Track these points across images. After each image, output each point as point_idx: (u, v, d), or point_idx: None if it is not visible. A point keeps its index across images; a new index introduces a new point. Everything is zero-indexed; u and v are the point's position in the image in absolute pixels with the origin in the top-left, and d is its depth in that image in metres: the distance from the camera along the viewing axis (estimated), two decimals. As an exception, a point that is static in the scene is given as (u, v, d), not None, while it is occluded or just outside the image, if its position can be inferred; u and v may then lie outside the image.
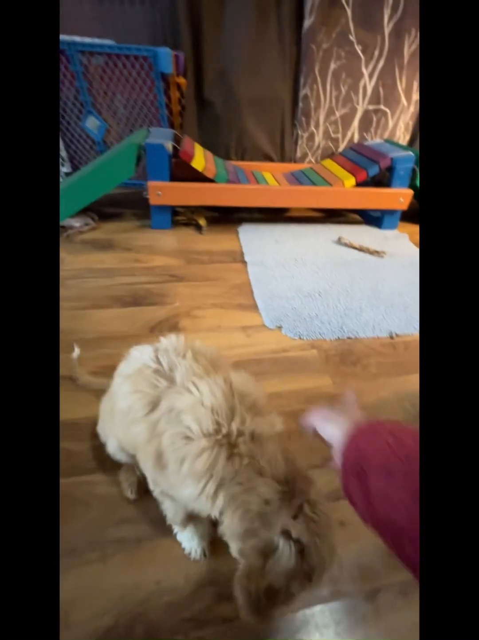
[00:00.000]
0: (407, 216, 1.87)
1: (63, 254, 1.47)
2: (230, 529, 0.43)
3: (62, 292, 1.26)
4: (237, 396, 0.47)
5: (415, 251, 1.71)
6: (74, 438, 0.80)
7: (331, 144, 2.22)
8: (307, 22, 1.81)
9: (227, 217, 1.85)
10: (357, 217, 2.03)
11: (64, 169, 1.94)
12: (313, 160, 2.25)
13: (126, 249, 1.55)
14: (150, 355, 0.55)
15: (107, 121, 1.84)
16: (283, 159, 2.23)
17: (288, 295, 1.34)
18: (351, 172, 1.77)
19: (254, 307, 1.28)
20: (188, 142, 1.74)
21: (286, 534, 0.40)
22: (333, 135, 2.19)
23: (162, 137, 1.58)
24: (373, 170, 1.72)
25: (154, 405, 0.51)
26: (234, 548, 0.44)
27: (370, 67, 2.00)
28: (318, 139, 2.18)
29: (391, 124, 2.20)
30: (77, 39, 1.60)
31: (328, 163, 2.00)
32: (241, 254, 1.58)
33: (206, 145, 1.95)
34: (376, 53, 1.96)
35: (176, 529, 0.64)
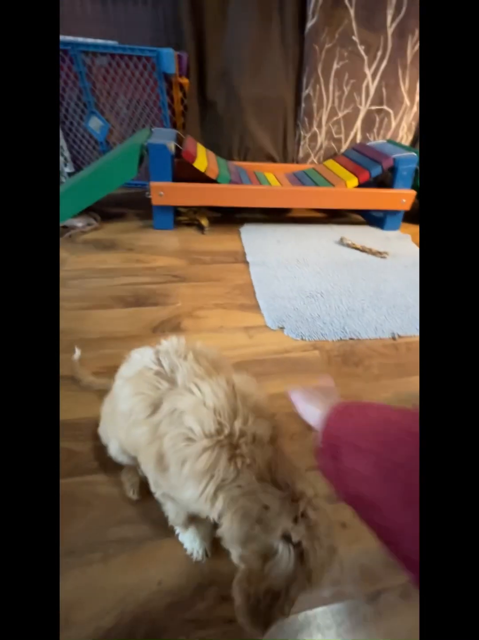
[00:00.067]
0: (409, 217, 1.87)
1: (65, 254, 1.48)
2: (229, 532, 0.42)
3: (65, 292, 1.26)
4: (239, 397, 0.47)
5: (418, 252, 1.71)
6: (75, 438, 0.80)
7: (333, 145, 2.21)
8: (310, 23, 1.81)
9: (229, 218, 1.85)
10: (359, 217, 2.02)
11: (67, 169, 1.95)
12: (315, 160, 2.25)
13: (128, 249, 1.55)
14: (151, 358, 0.55)
15: (110, 121, 1.84)
16: (285, 159, 2.23)
17: (290, 295, 1.34)
18: (353, 173, 1.77)
19: (256, 307, 1.27)
20: (190, 142, 1.75)
21: (286, 537, 0.39)
22: (335, 135, 2.18)
23: (165, 138, 1.58)
24: (376, 171, 1.72)
25: (156, 407, 0.51)
26: (234, 554, 0.44)
27: (373, 67, 1.99)
28: (321, 139, 2.18)
29: (394, 124, 2.19)
30: (80, 39, 1.61)
31: (331, 163, 2.00)
32: (244, 254, 1.58)
33: (208, 145, 1.95)
34: (379, 53, 1.96)
35: (178, 530, 0.64)
